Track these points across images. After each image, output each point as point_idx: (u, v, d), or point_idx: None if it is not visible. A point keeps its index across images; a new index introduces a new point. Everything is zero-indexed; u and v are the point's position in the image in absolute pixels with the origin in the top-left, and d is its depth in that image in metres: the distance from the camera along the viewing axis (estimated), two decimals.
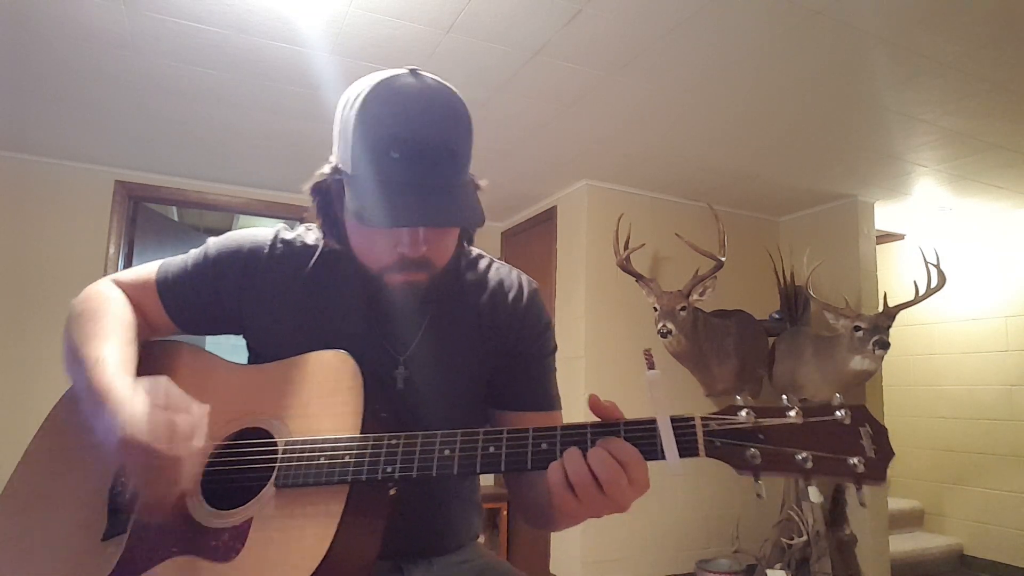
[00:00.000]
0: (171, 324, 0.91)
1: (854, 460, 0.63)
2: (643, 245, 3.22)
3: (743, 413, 0.66)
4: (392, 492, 0.76)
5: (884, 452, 0.64)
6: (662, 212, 3.62)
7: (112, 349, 0.79)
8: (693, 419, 0.67)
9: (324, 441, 0.74)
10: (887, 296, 2.91)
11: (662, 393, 0.67)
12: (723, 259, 2.92)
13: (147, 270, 0.92)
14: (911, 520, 4.20)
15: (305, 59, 2.22)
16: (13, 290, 3.14)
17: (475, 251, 0.99)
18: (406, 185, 0.74)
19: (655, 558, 3.34)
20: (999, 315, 3.97)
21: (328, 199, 0.85)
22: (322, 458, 0.73)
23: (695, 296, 2.93)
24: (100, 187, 3.35)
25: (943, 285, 2.86)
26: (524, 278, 0.98)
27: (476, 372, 0.92)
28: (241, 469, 0.77)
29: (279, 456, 0.75)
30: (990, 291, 4.04)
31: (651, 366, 0.69)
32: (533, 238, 4.00)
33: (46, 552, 0.77)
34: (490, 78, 2.35)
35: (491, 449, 0.70)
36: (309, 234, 0.93)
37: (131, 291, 0.91)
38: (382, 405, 0.80)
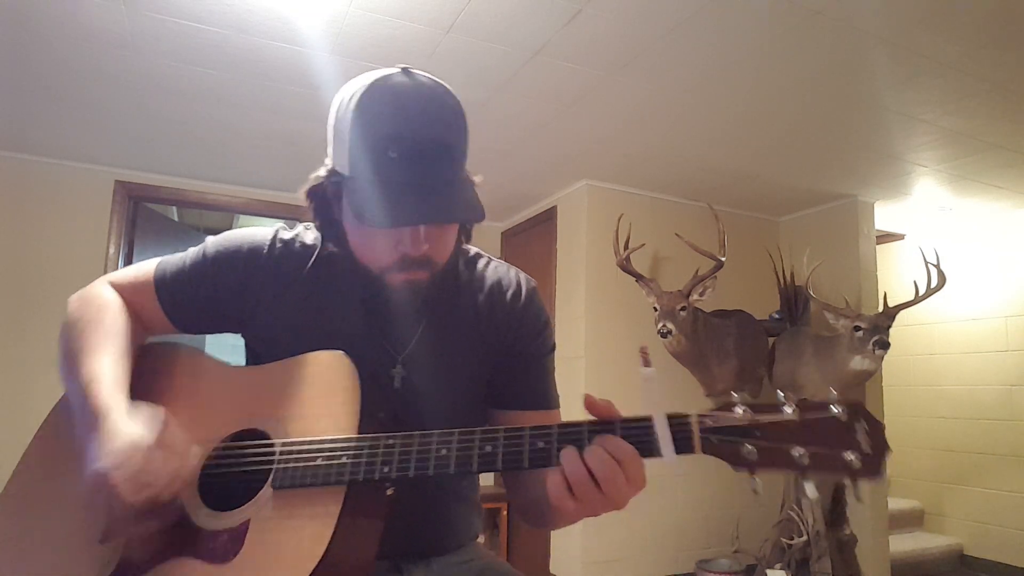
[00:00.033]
0: (168, 323, 0.91)
1: (850, 456, 0.63)
2: (643, 245, 3.22)
3: (739, 410, 0.67)
4: (389, 492, 0.76)
5: (880, 448, 0.63)
6: (662, 212, 3.62)
7: (107, 365, 0.79)
8: (689, 416, 0.67)
9: (321, 442, 0.74)
10: (887, 296, 2.91)
11: (657, 390, 0.67)
12: (723, 259, 2.92)
13: (144, 269, 0.92)
14: (911, 520, 4.20)
15: (305, 59, 2.22)
16: (13, 290, 3.14)
17: (473, 250, 0.99)
18: (405, 184, 0.74)
19: (655, 558, 3.34)
20: (999, 315, 3.97)
21: (325, 202, 0.85)
22: (319, 459, 0.73)
23: (695, 296, 2.93)
24: (100, 187, 3.35)
25: (943, 285, 2.86)
26: (522, 276, 0.98)
27: (474, 371, 0.92)
28: (238, 471, 0.77)
29: (276, 458, 0.75)
30: (990, 291, 4.04)
31: (646, 363, 0.69)
32: (533, 238, 4.00)
33: (44, 554, 0.77)
34: (490, 78, 2.35)
35: (488, 448, 0.70)
36: (308, 234, 0.93)
37: (128, 292, 0.90)
38: (379, 405, 0.80)
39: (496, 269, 0.97)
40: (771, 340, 3.40)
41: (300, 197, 0.86)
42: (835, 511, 3.10)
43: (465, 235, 0.92)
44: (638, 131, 2.82)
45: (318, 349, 0.82)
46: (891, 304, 2.82)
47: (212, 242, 0.91)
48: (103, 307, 0.87)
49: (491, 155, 3.13)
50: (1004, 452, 3.83)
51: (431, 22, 2.00)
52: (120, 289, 0.91)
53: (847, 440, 0.64)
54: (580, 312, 3.39)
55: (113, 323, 0.85)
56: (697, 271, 2.94)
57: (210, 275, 0.89)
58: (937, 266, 2.86)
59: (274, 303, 0.89)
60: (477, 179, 0.84)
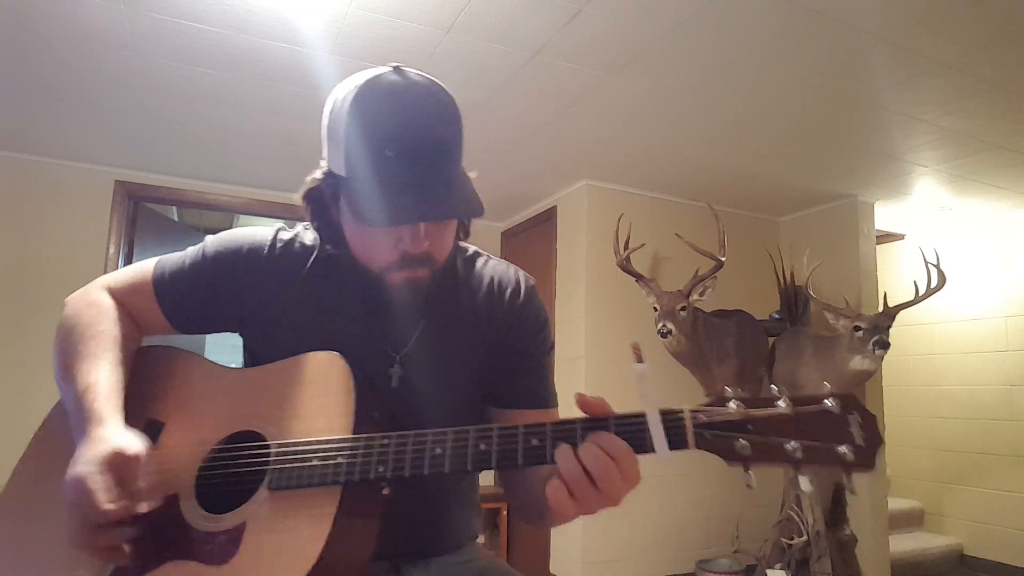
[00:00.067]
0: (167, 324, 0.91)
1: (843, 448, 0.63)
2: (643, 245, 3.22)
3: (732, 404, 0.67)
4: (385, 492, 0.76)
5: (873, 440, 0.63)
6: (662, 212, 3.62)
7: (103, 374, 0.79)
8: (682, 411, 0.67)
9: (316, 443, 0.74)
10: (887, 296, 2.91)
11: (650, 386, 0.67)
12: (723, 259, 2.92)
13: (143, 269, 0.91)
14: (911, 520, 4.20)
15: (305, 59, 2.22)
16: (13, 290, 3.14)
17: (471, 248, 0.98)
18: (403, 182, 0.74)
19: (655, 558, 3.34)
20: (999, 315, 3.97)
21: (322, 205, 0.85)
22: (314, 460, 0.73)
23: (695, 296, 2.92)
24: (100, 187, 3.35)
25: (943, 285, 2.86)
26: (521, 274, 0.98)
27: (473, 370, 0.92)
28: (234, 472, 0.77)
29: (272, 459, 0.75)
30: (990, 291, 4.04)
31: (639, 359, 0.69)
32: (533, 238, 4.00)
33: (42, 555, 0.77)
34: (490, 78, 2.35)
35: (482, 447, 0.70)
36: (307, 234, 0.93)
37: (126, 293, 0.90)
38: (375, 405, 0.80)
39: (495, 267, 0.97)
40: (771, 340, 3.40)
41: (297, 200, 0.86)
42: (835, 511, 3.10)
43: (463, 232, 0.91)
44: (638, 131, 2.82)
45: (316, 349, 0.82)
46: (891, 304, 2.82)
47: (211, 242, 0.91)
48: (100, 313, 0.86)
49: (491, 155, 3.13)
50: (1004, 452, 3.83)
51: (431, 22, 2.00)
52: (117, 291, 0.90)
53: (840, 433, 0.64)
54: (580, 312, 3.39)
55: (110, 330, 0.85)
56: (697, 271, 2.94)
57: (209, 275, 0.89)
58: (937, 266, 2.86)
59: (273, 303, 0.88)
60: (472, 175, 0.83)
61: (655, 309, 2.91)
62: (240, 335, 0.94)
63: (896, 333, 2.86)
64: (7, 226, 3.16)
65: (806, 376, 3.09)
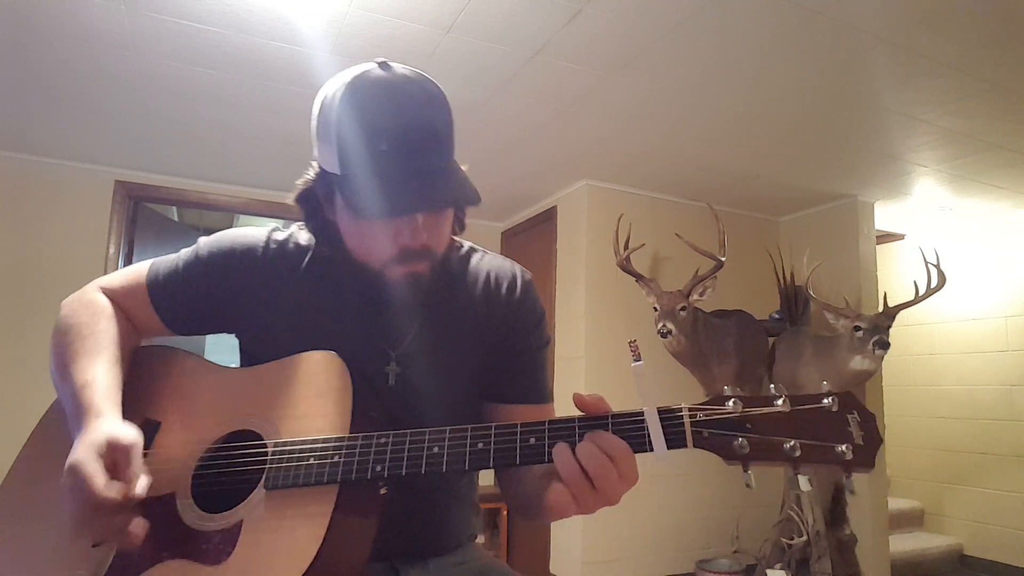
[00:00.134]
0: (162, 326, 0.91)
1: (842, 447, 0.63)
2: (643, 245, 3.22)
3: (730, 403, 0.66)
4: (383, 491, 0.76)
5: (872, 439, 0.63)
6: (662, 212, 3.62)
7: (100, 372, 0.79)
8: (680, 410, 0.67)
9: (313, 442, 0.74)
10: (887, 296, 2.91)
11: (648, 384, 0.66)
12: (723, 259, 2.92)
13: (137, 272, 0.91)
14: (911, 520, 4.20)
15: (305, 59, 2.22)
16: (13, 290, 3.14)
17: (467, 244, 0.98)
18: (398, 174, 0.74)
19: (655, 558, 3.34)
20: (999, 315, 3.97)
21: (316, 206, 0.85)
22: (311, 459, 0.73)
23: (695, 296, 2.92)
24: (100, 187, 3.35)
25: (943, 285, 2.86)
26: (518, 269, 0.98)
27: (470, 366, 0.92)
28: (231, 472, 0.77)
29: (268, 458, 0.75)
30: (990, 291, 4.04)
31: (637, 358, 0.68)
32: (533, 238, 4.00)
33: (39, 555, 0.77)
34: (490, 78, 2.35)
35: (479, 445, 0.70)
36: (302, 234, 0.93)
37: (121, 296, 0.90)
38: (372, 404, 0.81)
39: (491, 262, 0.97)
40: (771, 340, 3.40)
41: (290, 203, 0.86)
42: (835, 511, 3.10)
43: (459, 224, 0.91)
44: (638, 131, 2.82)
45: (313, 349, 0.82)
46: (891, 304, 2.82)
47: (205, 243, 0.91)
48: (96, 313, 0.86)
49: (491, 155, 3.13)
50: (1004, 452, 3.83)
51: (431, 22, 2.00)
52: (113, 293, 0.90)
53: (839, 432, 0.64)
54: (580, 312, 3.39)
55: (106, 329, 0.85)
56: (697, 271, 2.94)
57: (203, 276, 0.89)
58: (937, 266, 2.86)
59: (268, 303, 0.88)
60: (464, 167, 0.83)
61: (655, 309, 2.91)
62: (236, 336, 0.93)
63: (896, 333, 2.86)
64: (7, 226, 3.16)
65: (806, 376, 3.09)
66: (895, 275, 4.27)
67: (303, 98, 2.52)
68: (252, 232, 0.92)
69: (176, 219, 4.44)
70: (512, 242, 4.28)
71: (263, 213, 3.79)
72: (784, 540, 3.02)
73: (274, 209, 3.72)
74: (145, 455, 0.74)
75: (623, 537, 3.26)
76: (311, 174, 0.83)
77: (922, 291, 2.85)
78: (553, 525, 3.36)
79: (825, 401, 0.65)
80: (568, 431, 0.69)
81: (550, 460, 0.67)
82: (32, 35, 2.10)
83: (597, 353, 3.34)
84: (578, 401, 0.70)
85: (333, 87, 0.79)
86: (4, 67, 2.32)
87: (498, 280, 0.94)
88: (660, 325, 2.86)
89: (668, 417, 0.66)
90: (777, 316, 3.55)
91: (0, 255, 3.14)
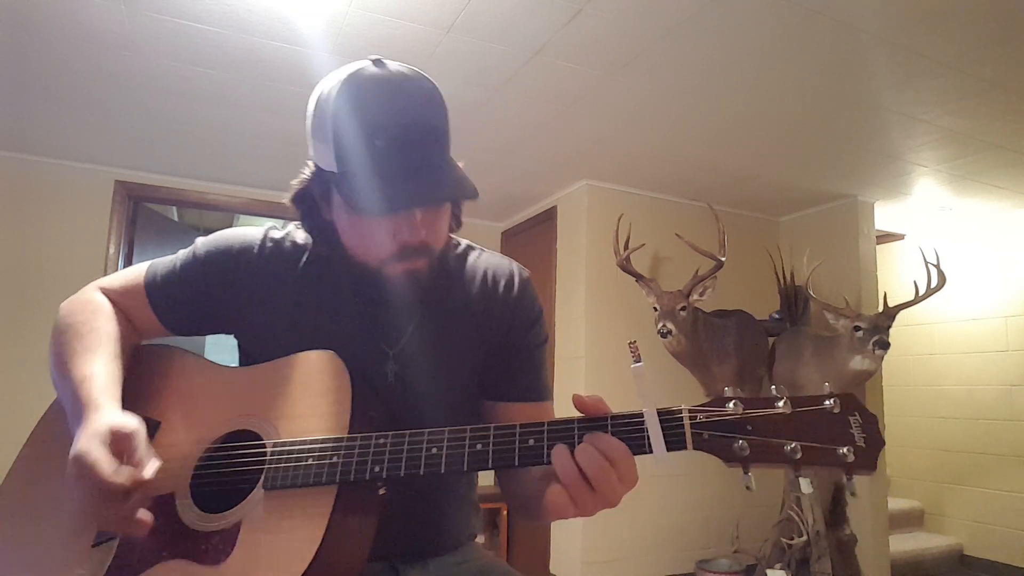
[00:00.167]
0: (160, 327, 0.91)
1: (844, 449, 0.62)
2: (643, 245, 3.21)
3: (731, 404, 0.66)
4: (382, 492, 0.76)
5: (874, 441, 0.62)
6: (662, 212, 3.62)
7: (99, 367, 0.79)
8: (680, 411, 0.66)
9: (312, 442, 0.74)
10: (887, 296, 2.91)
11: (648, 385, 0.66)
12: (723, 259, 2.92)
13: (135, 273, 0.92)
14: (911, 520, 4.20)
15: (305, 59, 2.22)
16: (13, 290, 3.14)
17: (464, 242, 0.98)
18: (395, 170, 0.74)
19: (655, 558, 3.34)
20: (999, 315, 3.97)
21: (312, 205, 0.85)
22: (310, 459, 0.73)
23: (695, 296, 2.92)
24: (100, 187, 3.35)
25: (943, 285, 2.86)
26: (515, 266, 0.97)
27: (468, 364, 0.92)
28: (230, 472, 0.77)
29: (267, 458, 0.75)
30: (990, 291, 4.04)
31: (637, 359, 0.68)
32: (533, 238, 4.00)
33: (38, 555, 0.77)
34: (490, 78, 2.35)
35: (478, 447, 0.70)
36: (299, 233, 0.93)
37: (118, 297, 0.90)
38: (371, 403, 0.80)
39: (489, 260, 0.97)
40: (771, 340, 3.40)
41: (286, 204, 0.86)
42: (835, 511, 3.10)
43: (455, 222, 0.90)
44: (638, 131, 2.82)
45: (312, 348, 0.82)
46: (891, 304, 2.82)
47: (202, 243, 0.91)
48: (94, 311, 0.87)
49: (491, 155, 3.13)
50: (1004, 452, 3.83)
51: (431, 22, 2.00)
52: (111, 294, 0.90)
53: (841, 434, 0.63)
54: (580, 312, 3.39)
55: (104, 326, 0.85)
56: (697, 271, 2.94)
57: (201, 275, 0.89)
58: (937, 266, 2.86)
59: (266, 302, 0.88)
60: (460, 164, 0.83)
61: (655, 309, 2.91)
62: (234, 336, 0.93)
63: (896, 333, 2.86)
64: (7, 226, 3.16)
65: (806, 376, 3.09)
66: (895, 275, 4.26)
67: (303, 98, 2.49)
68: (249, 232, 0.92)
69: (176, 219, 4.44)
70: (512, 242, 4.27)
71: (263, 213, 3.79)
72: (784, 540, 3.02)
73: (274, 209, 3.72)
74: None
75: (623, 537, 3.26)
76: (306, 173, 0.83)
77: (922, 291, 2.85)
78: (553, 525, 3.36)
79: (827, 403, 0.64)
80: (567, 433, 0.68)
81: (549, 462, 0.67)
82: (32, 35, 2.10)
83: (597, 353, 3.34)
84: (577, 402, 0.70)
85: (328, 85, 0.79)
86: (4, 67, 2.32)
87: (495, 278, 0.94)
88: (660, 325, 2.86)
89: (668, 419, 0.66)
90: (777, 316, 3.55)
91: (0, 255, 3.14)
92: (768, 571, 3.00)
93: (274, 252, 0.90)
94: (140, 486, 0.69)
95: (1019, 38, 2.00)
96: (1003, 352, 3.92)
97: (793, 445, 0.63)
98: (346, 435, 0.74)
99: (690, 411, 0.66)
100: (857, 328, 2.79)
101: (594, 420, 0.69)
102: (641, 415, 0.67)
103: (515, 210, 4.11)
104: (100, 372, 0.79)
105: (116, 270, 3.28)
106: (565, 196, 3.65)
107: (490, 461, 0.69)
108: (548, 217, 3.79)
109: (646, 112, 2.62)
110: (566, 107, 2.59)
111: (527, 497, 0.82)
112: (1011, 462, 3.79)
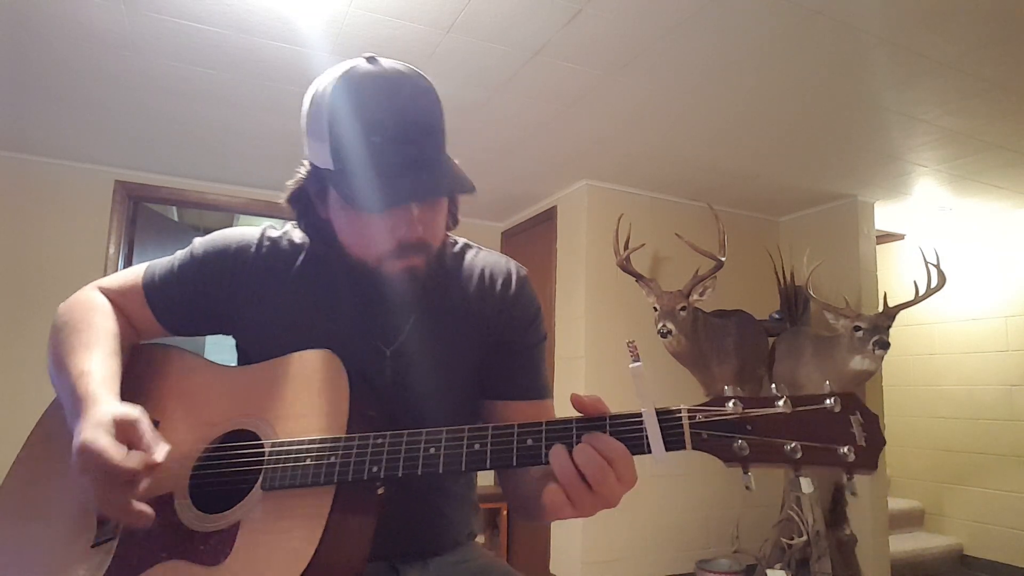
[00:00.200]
0: (159, 327, 0.91)
1: (844, 449, 0.62)
2: (643, 245, 3.22)
3: (730, 404, 0.65)
4: (380, 492, 0.76)
5: (875, 440, 0.62)
6: (662, 212, 3.62)
7: (97, 363, 0.79)
8: (679, 411, 0.66)
9: (310, 442, 0.74)
10: (887, 296, 2.91)
11: (646, 384, 0.66)
12: (723, 259, 2.92)
13: (133, 273, 0.92)
14: (911, 520, 4.20)
15: (305, 59, 2.22)
16: (13, 290, 3.14)
17: (461, 240, 0.98)
18: (392, 166, 0.74)
19: (655, 558, 3.34)
20: (999, 315, 3.97)
21: (308, 204, 0.85)
22: (308, 459, 0.73)
23: (695, 296, 2.92)
24: (100, 187, 3.35)
25: (943, 285, 2.86)
26: (513, 265, 0.97)
27: (466, 363, 0.92)
28: (228, 472, 0.77)
29: (265, 459, 0.75)
30: (990, 291, 4.04)
31: (636, 358, 0.68)
32: (533, 238, 4.00)
33: (37, 556, 0.77)
34: (490, 78, 2.35)
35: (476, 447, 0.70)
36: (296, 232, 0.93)
37: (117, 297, 0.90)
38: (369, 402, 0.80)
39: (486, 258, 0.97)
40: (771, 340, 3.40)
41: (282, 204, 0.85)
42: (835, 511, 3.10)
43: (452, 219, 0.90)
44: (638, 131, 2.82)
45: (310, 347, 0.82)
46: (891, 304, 2.82)
47: (200, 243, 0.91)
48: (92, 309, 0.87)
49: (491, 155, 3.13)
50: (1004, 452, 3.83)
51: (431, 22, 2.00)
52: (109, 294, 0.91)
53: (841, 433, 0.62)
54: (580, 312, 3.39)
55: (102, 324, 0.85)
56: (697, 271, 2.94)
57: (198, 275, 0.89)
58: (937, 266, 2.86)
59: (263, 302, 0.88)
60: (456, 162, 0.83)
61: (655, 309, 2.91)
62: (232, 335, 0.93)
63: (896, 333, 2.86)
64: (7, 226, 3.16)
65: (806, 376, 3.09)
66: (895, 275, 4.26)
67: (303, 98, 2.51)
68: (246, 231, 0.92)
69: (176, 219, 4.44)
70: (512, 242, 4.27)
71: (263, 213, 3.79)
72: (784, 540, 3.02)
73: (274, 209, 3.72)
74: None
75: (623, 537, 3.26)
76: (302, 173, 0.83)
77: (922, 291, 2.85)
78: (553, 525, 3.36)
79: (827, 402, 0.64)
80: (565, 433, 0.68)
81: (547, 462, 0.67)
82: (32, 35, 2.10)
83: (597, 353, 3.34)
84: (576, 402, 0.70)
85: (323, 83, 0.79)
86: (4, 67, 2.32)
87: (493, 276, 0.94)
88: (660, 325, 2.86)
89: (667, 419, 0.66)
90: (777, 316, 3.55)
91: (0, 255, 3.14)
92: (768, 571, 3.00)
93: (271, 251, 0.90)
94: (152, 471, 0.68)
95: (1019, 38, 2.00)
96: (1003, 352, 3.92)
97: (793, 444, 0.63)
98: (344, 435, 0.74)
99: (689, 411, 0.66)
100: (857, 328, 2.79)
101: (592, 420, 0.68)
102: (640, 415, 0.66)
103: (515, 210, 4.11)
104: (98, 367, 0.78)
105: (116, 270, 3.28)
106: (565, 196, 3.65)
107: (488, 461, 0.69)
108: (548, 217, 3.79)
109: (646, 112, 2.62)
110: (566, 107, 2.59)
111: (526, 497, 0.82)
112: (1011, 462, 3.79)
